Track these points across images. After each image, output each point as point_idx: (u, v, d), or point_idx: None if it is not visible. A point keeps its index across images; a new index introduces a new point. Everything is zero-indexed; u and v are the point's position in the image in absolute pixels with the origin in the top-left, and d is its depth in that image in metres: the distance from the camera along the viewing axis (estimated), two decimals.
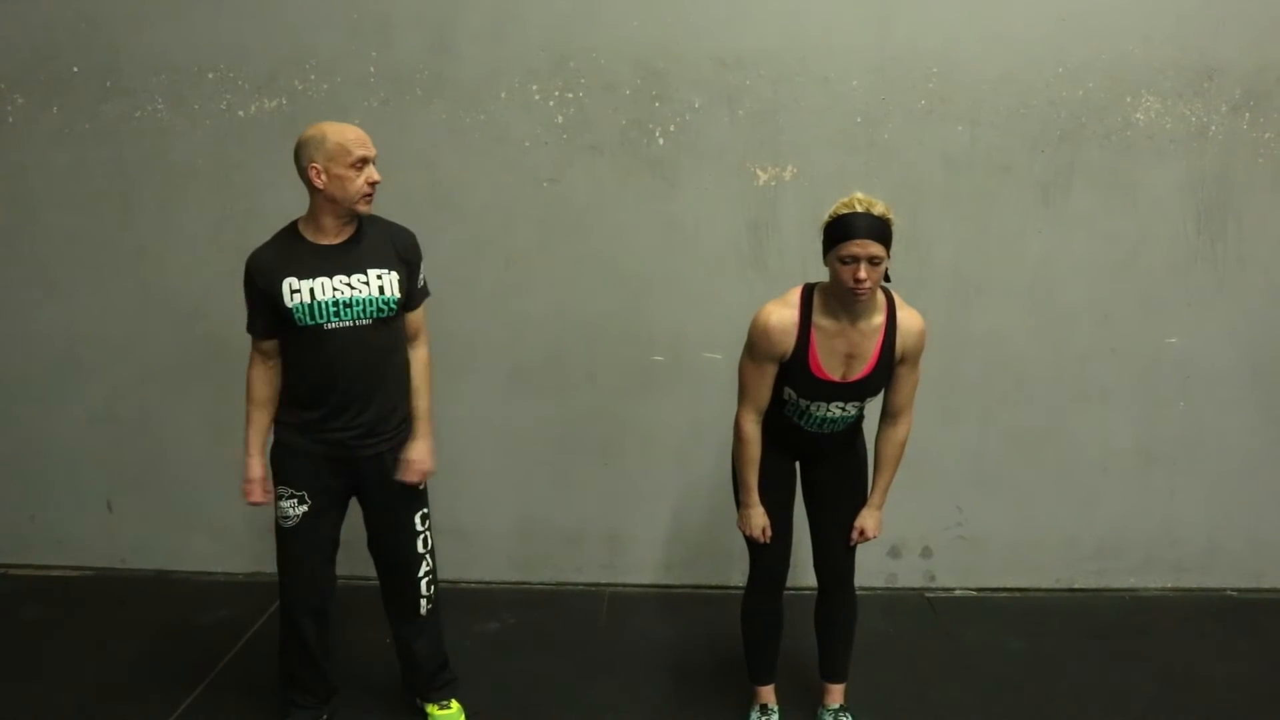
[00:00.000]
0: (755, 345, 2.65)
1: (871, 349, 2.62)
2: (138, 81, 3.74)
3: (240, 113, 3.74)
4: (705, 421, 3.79)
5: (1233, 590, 4.02)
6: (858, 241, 2.45)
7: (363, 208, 2.65)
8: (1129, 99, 3.66)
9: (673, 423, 3.91)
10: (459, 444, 3.88)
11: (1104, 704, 3.19)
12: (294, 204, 3.88)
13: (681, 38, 3.64)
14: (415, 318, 2.83)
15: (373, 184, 2.63)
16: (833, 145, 3.69)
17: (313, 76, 3.71)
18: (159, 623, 3.70)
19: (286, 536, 2.80)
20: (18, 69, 3.76)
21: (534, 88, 3.69)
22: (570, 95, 3.69)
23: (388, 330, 2.73)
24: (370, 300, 2.66)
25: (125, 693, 3.22)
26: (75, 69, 3.75)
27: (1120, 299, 3.81)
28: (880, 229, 2.46)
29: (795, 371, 2.63)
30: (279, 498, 2.78)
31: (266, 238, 3.78)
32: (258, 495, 2.79)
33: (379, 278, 2.68)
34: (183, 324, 3.90)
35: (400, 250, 2.75)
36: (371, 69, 3.69)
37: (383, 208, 3.70)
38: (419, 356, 2.86)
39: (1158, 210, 3.74)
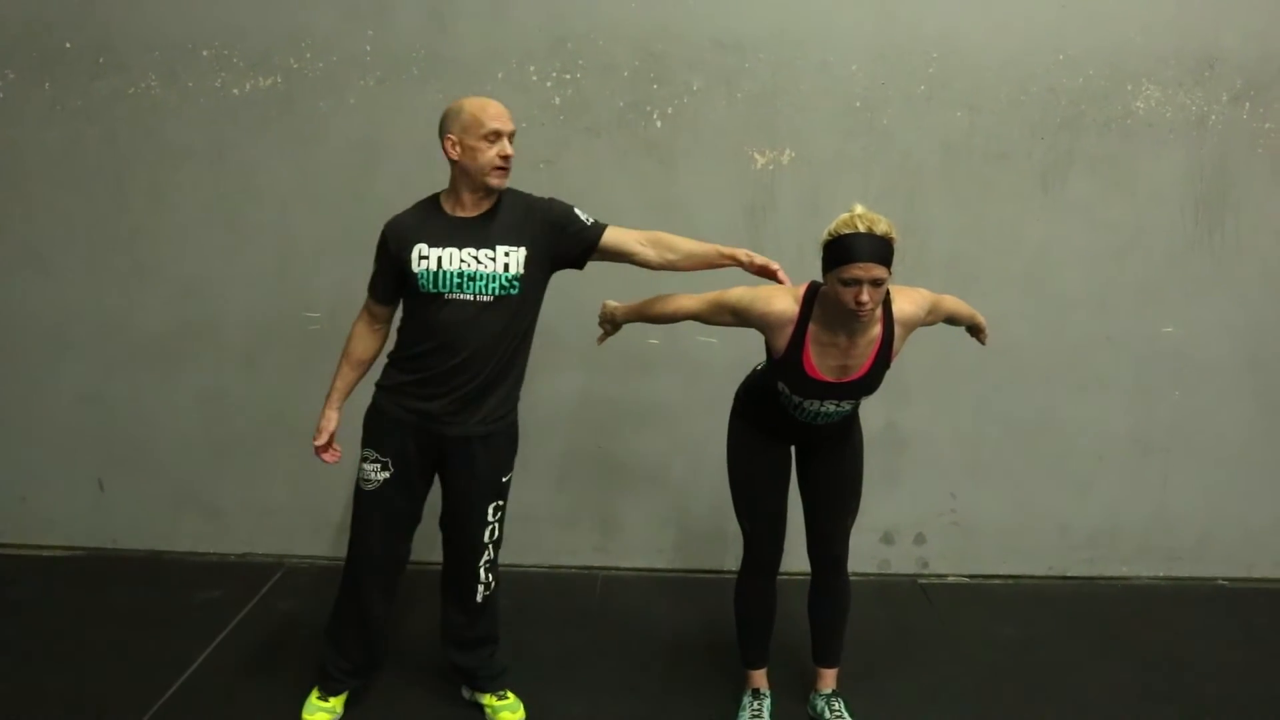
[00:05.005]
0: (746, 307, 2.60)
1: (867, 355, 2.59)
2: (131, 58, 3.71)
3: (235, 91, 3.71)
4: (700, 405, 3.78)
5: (1224, 580, 4.03)
6: (860, 265, 2.37)
7: (494, 181, 2.65)
8: (1129, 87, 3.65)
9: (667, 406, 3.90)
10: None
11: (1095, 691, 3.19)
12: (289, 182, 3.88)
13: (680, 20, 3.62)
14: (616, 235, 2.78)
15: (505, 158, 2.63)
16: (831, 129, 3.68)
17: (308, 55, 3.68)
18: (150, 603, 3.68)
19: (364, 499, 2.80)
20: (9, 44, 3.72)
21: (531, 69, 3.67)
22: (568, 77, 3.67)
23: (506, 312, 2.69)
24: (493, 276, 2.65)
25: (116, 673, 3.20)
26: (67, 45, 3.71)
27: (1117, 288, 3.80)
28: (883, 250, 2.39)
29: (789, 369, 2.60)
30: (363, 460, 2.79)
31: (260, 216, 3.81)
32: (322, 441, 2.81)
33: (506, 255, 2.67)
34: (175, 303, 3.88)
35: (538, 221, 2.72)
36: (368, 48, 3.67)
37: (379, 189, 3.70)
38: (660, 240, 2.83)
39: (1156, 199, 3.73)
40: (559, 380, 3.88)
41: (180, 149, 3.76)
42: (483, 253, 2.65)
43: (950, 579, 4.04)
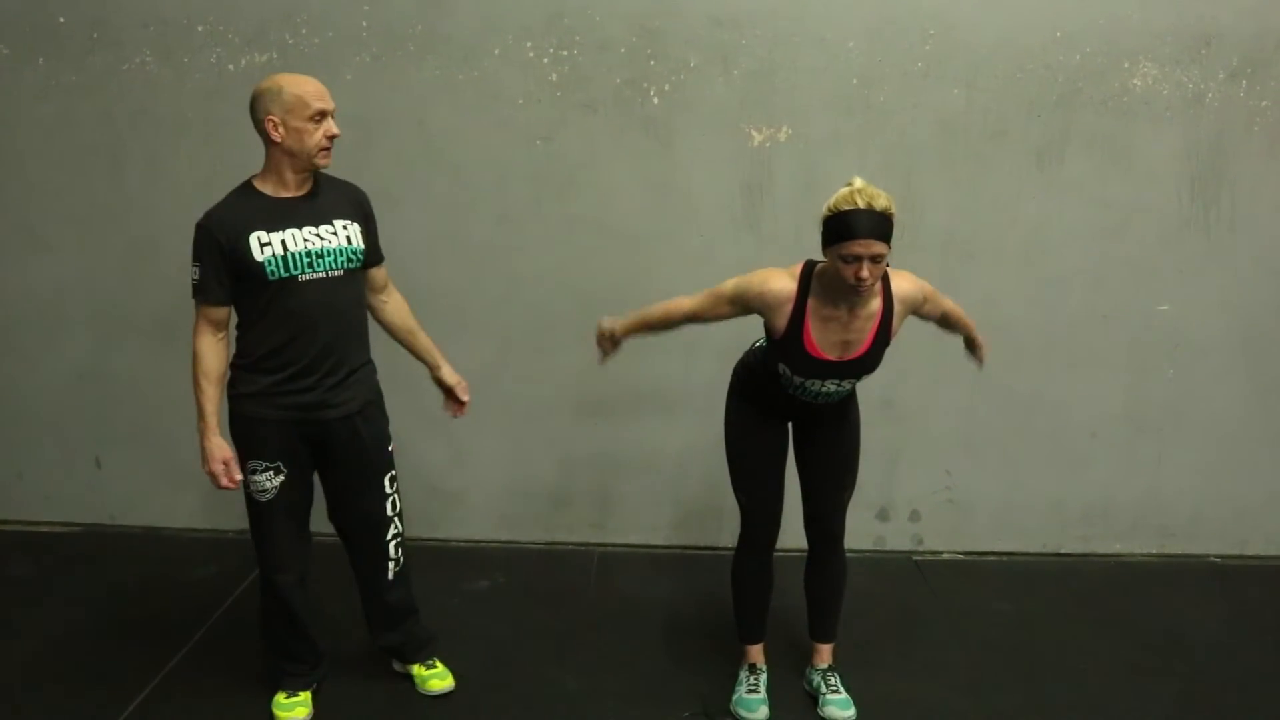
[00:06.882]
0: (743, 292, 2.60)
1: (868, 331, 2.59)
2: (125, 33, 3.68)
3: (230, 66, 3.69)
4: (697, 382, 3.79)
5: (1217, 556, 4.06)
6: (861, 242, 2.38)
7: (321, 161, 2.60)
8: (1126, 64, 3.64)
9: (664, 383, 3.91)
10: None
11: (1088, 666, 3.22)
12: None
13: None
14: (380, 272, 2.87)
15: (331, 138, 2.59)
16: (828, 106, 3.67)
17: (304, 31, 3.65)
18: (147, 579, 3.70)
19: (264, 510, 2.74)
20: (2, 19, 3.70)
21: (528, 45, 3.65)
22: (564, 53, 3.65)
23: (354, 283, 2.73)
24: (340, 250, 2.65)
25: (113, 649, 3.22)
26: (61, 19, 3.68)
27: (1112, 265, 3.80)
28: (883, 226, 2.39)
29: (790, 349, 2.60)
30: (251, 472, 2.69)
31: None
32: (235, 475, 2.65)
33: (345, 228, 2.68)
34: (171, 279, 3.83)
35: (357, 203, 2.77)
36: (364, 24, 3.64)
37: (375, 166, 3.68)
38: (399, 301, 2.94)
39: (1152, 177, 3.73)
40: (556, 358, 3.88)
41: (175, 125, 3.74)
42: (323, 229, 2.63)
43: (945, 556, 4.06)
